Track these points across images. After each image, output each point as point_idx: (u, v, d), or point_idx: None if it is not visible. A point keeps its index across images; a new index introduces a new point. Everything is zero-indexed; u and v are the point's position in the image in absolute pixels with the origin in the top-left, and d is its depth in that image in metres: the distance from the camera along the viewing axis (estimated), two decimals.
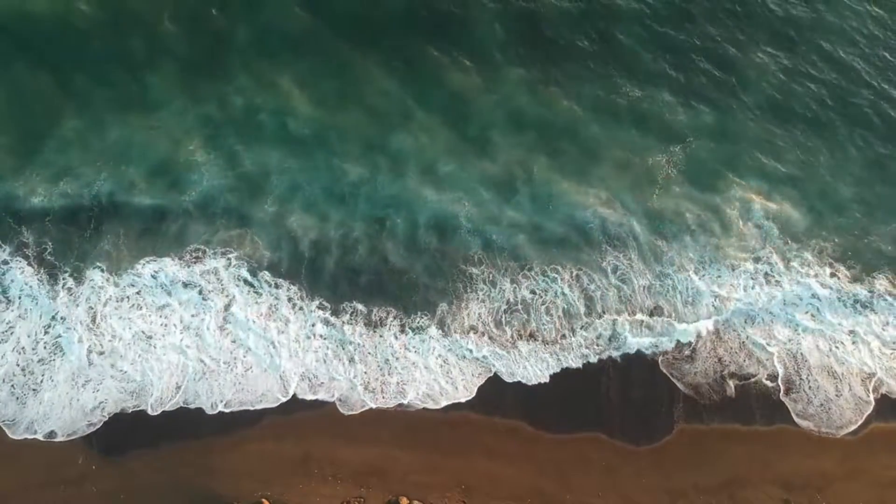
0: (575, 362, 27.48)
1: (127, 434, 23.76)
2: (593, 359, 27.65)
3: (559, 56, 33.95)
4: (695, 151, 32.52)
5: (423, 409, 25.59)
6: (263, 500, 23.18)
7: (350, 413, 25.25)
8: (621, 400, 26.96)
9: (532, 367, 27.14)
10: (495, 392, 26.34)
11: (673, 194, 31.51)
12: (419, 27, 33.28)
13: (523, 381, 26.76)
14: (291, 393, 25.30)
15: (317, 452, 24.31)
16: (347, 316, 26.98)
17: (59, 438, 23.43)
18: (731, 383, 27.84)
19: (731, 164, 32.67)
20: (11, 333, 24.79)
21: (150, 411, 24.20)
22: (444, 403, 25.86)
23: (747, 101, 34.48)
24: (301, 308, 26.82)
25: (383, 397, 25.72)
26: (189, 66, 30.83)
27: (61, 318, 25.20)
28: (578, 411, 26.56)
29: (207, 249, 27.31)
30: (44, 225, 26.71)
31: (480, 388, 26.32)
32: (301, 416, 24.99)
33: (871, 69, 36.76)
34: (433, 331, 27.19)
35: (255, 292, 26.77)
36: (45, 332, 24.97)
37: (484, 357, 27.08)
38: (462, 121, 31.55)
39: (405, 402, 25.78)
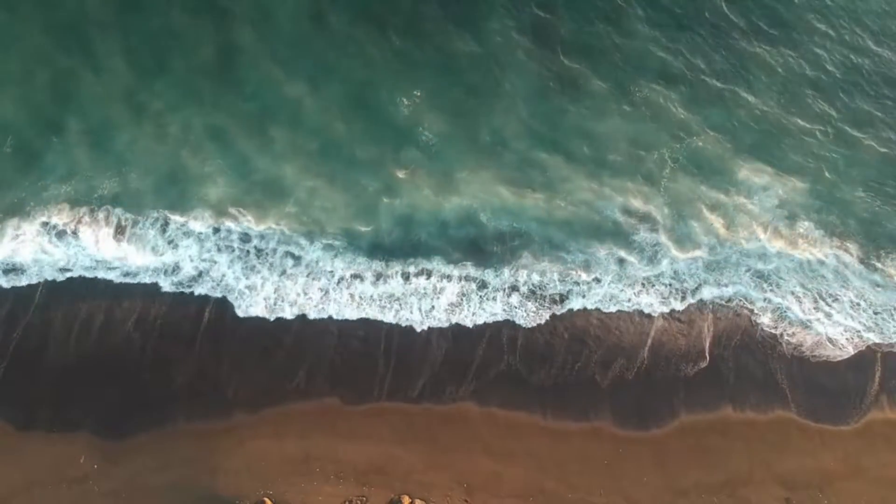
0: None
1: (129, 433, 23.59)
2: None
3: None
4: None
5: (424, 405, 25.52)
6: (265, 498, 23.19)
7: None
8: (622, 389, 26.96)
9: None
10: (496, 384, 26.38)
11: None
12: (426, 24, 32.19)
13: None
14: None
15: (318, 450, 24.24)
16: None
17: None
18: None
19: None
20: None
21: None
22: None
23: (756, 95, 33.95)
24: None
25: None
26: None
27: None
28: (579, 401, 26.57)
29: None
30: None
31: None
32: (301, 407, 24.85)
33: (884, 55, 36.05)
34: None
35: None
36: None
37: None
38: (474, 123, 30.59)
39: None
